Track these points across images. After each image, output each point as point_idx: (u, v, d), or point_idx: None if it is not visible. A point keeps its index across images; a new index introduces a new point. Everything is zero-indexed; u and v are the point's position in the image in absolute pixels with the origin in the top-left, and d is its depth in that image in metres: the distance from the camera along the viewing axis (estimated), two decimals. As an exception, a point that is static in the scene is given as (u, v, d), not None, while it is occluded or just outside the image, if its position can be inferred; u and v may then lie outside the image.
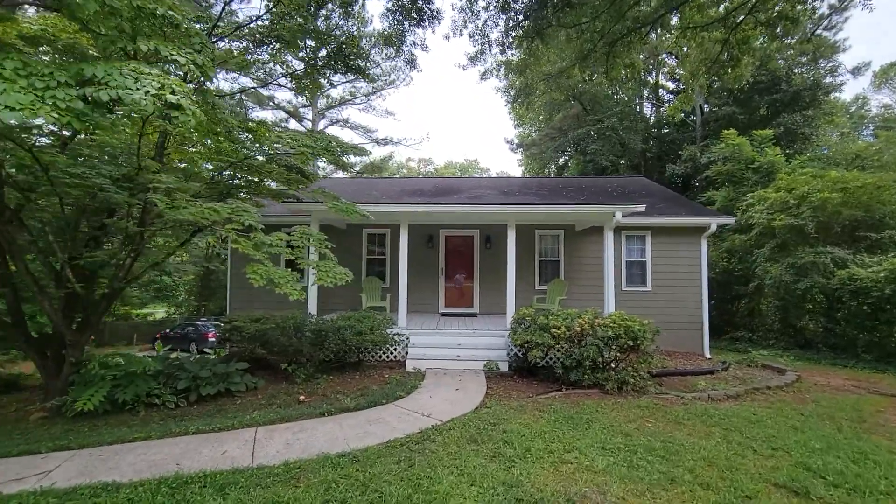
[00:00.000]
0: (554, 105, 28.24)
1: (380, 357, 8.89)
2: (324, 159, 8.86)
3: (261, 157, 7.85)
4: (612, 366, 7.57)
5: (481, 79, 16.65)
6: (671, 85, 30.51)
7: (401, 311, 9.22)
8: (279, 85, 28.32)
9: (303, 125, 29.90)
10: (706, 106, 26.53)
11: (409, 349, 8.60)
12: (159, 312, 30.82)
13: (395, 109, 57.90)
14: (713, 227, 11.11)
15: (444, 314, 11.44)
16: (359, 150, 8.93)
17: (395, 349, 8.87)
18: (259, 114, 27.83)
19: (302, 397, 6.85)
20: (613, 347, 7.36)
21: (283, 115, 30.33)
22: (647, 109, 31.68)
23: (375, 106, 31.19)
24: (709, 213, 12.20)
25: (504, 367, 8.18)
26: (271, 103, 27.74)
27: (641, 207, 8.66)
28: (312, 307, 9.24)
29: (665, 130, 29.27)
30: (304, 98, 29.54)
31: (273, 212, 11.40)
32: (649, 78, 30.40)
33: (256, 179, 8.91)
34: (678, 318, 11.19)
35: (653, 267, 11.54)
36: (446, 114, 62.06)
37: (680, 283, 11.44)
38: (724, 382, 8.29)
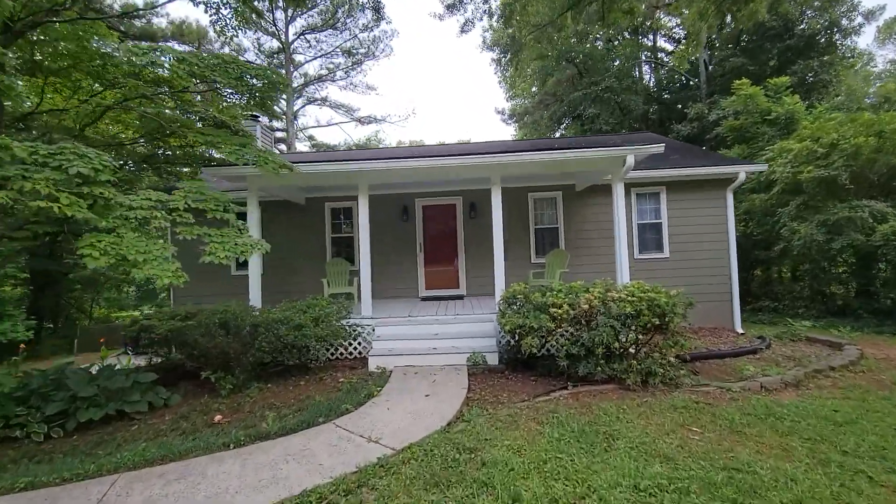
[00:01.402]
0: (546, 70, 26.08)
1: (335, 355, 7.13)
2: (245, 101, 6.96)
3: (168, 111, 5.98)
4: (633, 352, 5.79)
5: (462, 31, 14.64)
6: (670, 47, 28.32)
7: (364, 296, 7.43)
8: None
9: (278, 106, 27.82)
10: (710, 66, 24.35)
11: (375, 343, 6.83)
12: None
13: (377, 84, 54.60)
14: (741, 177, 9.22)
15: (425, 298, 9.65)
16: (277, 79, 6.63)
17: (352, 344, 7.11)
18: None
19: (218, 417, 5.09)
20: (633, 328, 5.57)
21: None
22: (647, 74, 29.52)
23: (356, 82, 29.05)
24: (734, 160, 10.30)
25: (493, 359, 6.41)
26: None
27: (660, 147, 6.79)
28: (255, 296, 7.44)
29: (666, 96, 27.18)
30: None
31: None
32: (646, 41, 28.20)
33: (175, 143, 7.06)
34: (702, 289, 9.35)
35: (670, 229, 9.70)
36: (433, 90, 59.26)
37: (703, 246, 9.61)
38: (774, 365, 6.51)
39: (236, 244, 4.34)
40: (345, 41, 26.73)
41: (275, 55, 26.55)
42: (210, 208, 4.67)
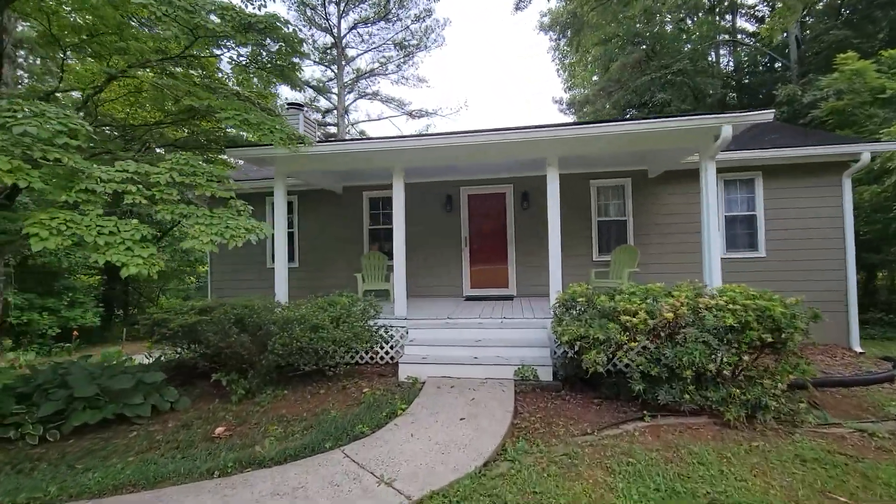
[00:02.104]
0: (609, 55, 24.13)
1: (363, 360, 6.30)
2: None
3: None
4: (733, 377, 4.45)
5: (517, 9, 13.42)
6: (751, 27, 25.23)
7: (397, 294, 6.55)
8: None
9: (329, 100, 27.94)
10: (802, 44, 21.29)
11: (407, 348, 5.92)
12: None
13: (429, 76, 53.37)
14: (864, 159, 7.39)
15: (470, 298, 8.64)
16: (290, 35, 5.63)
17: (383, 348, 6.25)
18: (287, 94, 26.08)
19: (219, 429, 4.38)
20: (737, 346, 4.24)
21: (311, 93, 28.54)
22: (724, 58, 26.54)
23: (408, 75, 28.49)
24: (855, 139, 8.38)
25: (546, 374, 5.29)
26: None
27: (768, 114, 5.32)
28: (281, 290, 6.80)
29: (747, 80, 24.22)
30: (332, 72, 27.57)
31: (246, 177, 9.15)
32: (724, 22, 25.33)
33: (205, 126, 6.55)
34: (808, 297, 7.59)
35: (766, 223, 8.02)
36: (486, 81, 57.21)
37: (809, 244, 7.85)
38: (929, 401, 4.88)
39: (227, 227, 3.60)
40: (396, 33, 26.27)
41: (328, 50, 26.61)
42: (200, 183, 3.96)
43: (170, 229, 18.82)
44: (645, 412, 4.37)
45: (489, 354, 5.65)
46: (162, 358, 5.98)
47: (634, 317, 4.38)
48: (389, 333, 6.11)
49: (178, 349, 5.71)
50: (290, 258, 9.30)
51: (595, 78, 27.51)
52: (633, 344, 4.36)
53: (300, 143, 5.12)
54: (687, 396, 4.22)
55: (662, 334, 4.39)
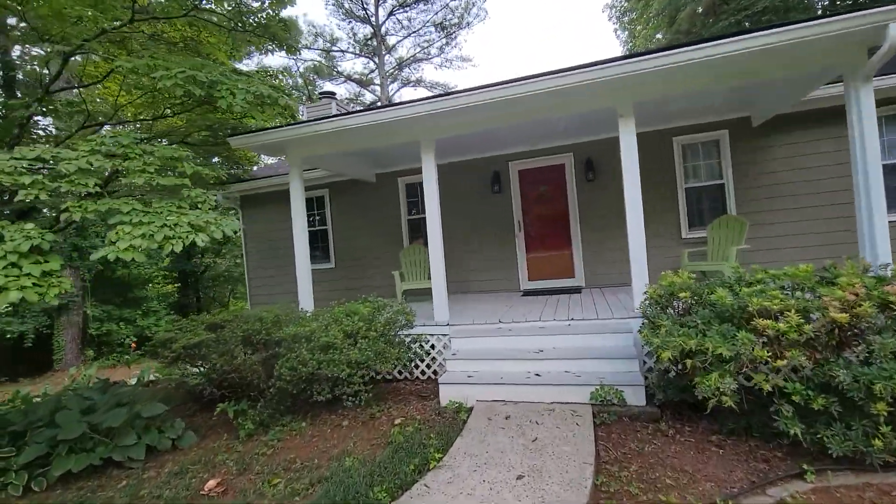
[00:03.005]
0: (675, 4, 21.19)
1: (400, 375, 5.22)
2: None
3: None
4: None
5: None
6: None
7: (436, 294, 5.38)
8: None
9: (374, 93, 27.29)
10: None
11: (450, 362, 4.73)
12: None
13: (473, 55, 50.65)
14: None
15: (529, 292, 7.29)
16: None
17: (418, 367, 5.14)
18: (330, 87, 25.76)
19: (212, 482, 3.48)
20: (972, 363, 2.59)
21: (355, 87, 28.09)
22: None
23: (451, 57, 27.14)
24: None
25: (636, 396, 3.87)
26: (336, 72, 25.54)
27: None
28: (305, 296, 5.90)
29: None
30: (374, 63, 26.87)
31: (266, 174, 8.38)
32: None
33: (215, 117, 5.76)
34: None
35: (936, 172, 5.89)
36: (535, 53, 53.30)
37: None
38: None
39: (164, 225, 2.62)
40: (436, 13, 24.97)
41: (368, 41, 25.91)
42: (132, 168, 2.99)
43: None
44: (804, 465, 2.85)
45: (555, 370, 4.32)
46: (172, 383, 5.27)
47: (778, 320, 2.86)
48: (429, 345, 4.97)
49: (184, 373, 4.95)
50: (325, 258, 8.47)
51: (659, 35, 24.54)
52: (779, 363, 2.84)
53: (277, 106, 4.10)
54: (878, 443, 2.66)
55: (828, 346, 2.83)
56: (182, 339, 4.79)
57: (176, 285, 24.39)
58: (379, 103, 26.27)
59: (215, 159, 9.83)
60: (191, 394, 5.34)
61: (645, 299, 3.89)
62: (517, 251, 7.54)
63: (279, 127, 5.29)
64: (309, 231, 8.78)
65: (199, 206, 3.24)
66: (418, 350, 4.77)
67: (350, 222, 8.48)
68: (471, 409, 4.15)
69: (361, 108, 26.85)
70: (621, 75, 4.27)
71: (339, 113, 5.01)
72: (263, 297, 8.97)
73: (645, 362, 4.29)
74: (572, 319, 4.86)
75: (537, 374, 4.26)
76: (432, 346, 5.24)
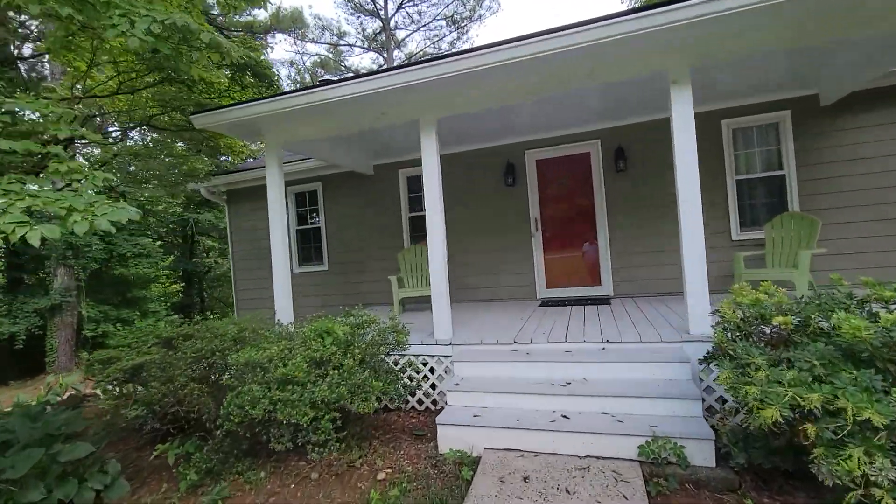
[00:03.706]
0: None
1: (392, 405, 4.24)
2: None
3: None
4: None
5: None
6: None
7: (436, 306, 4.40)
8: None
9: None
10: None
11: (452, 393, 3.73)
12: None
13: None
14: None
15: (547, 302, 6.27)
16: None
17: (413, 396, 4.17)
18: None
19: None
20: None
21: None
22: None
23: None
24: None
25: (701, 453, 2.83)
26: (344, 67, 24.73)
27: None
28: (283, 306, 4.97)
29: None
30: (382, 58, 26.01)
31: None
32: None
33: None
34: None
35: None
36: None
37: None
38: None
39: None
40: (446, 6, 24.01)
41: (377, 35, 25.06)
42: None
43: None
44: None
45: (588, 409, 3.30)
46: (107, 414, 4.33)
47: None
48: (427, 368, 4.00)
49: (125, 397, 4.04)
50: (318, 259, 7.55)
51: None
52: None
53: (212, 50, 3.16)
54: None
55: None
56: (125, 358, 3.89)
57: (181, 285, 23.80)
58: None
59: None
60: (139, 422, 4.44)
61: (718, 322, 2.87)
62: (534, 253, 6.53)
63: (247, 101, 4.37)
64: (299, 229, 7.92)
65: (77, 184, 2.34)
66: (411, 379, 3.80)
67: (345, 219, 7.55)
68: (477, 461, 3.16)
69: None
70: (676, 24, 3.24)
71: (316, 84, 4.09)
72: (251, 301, 8.10)
73: (711, 407, 3.27)
74: (607, 341, 3.84)
75: (564, 416, 3.25)
76: (431, 370, 4.27)
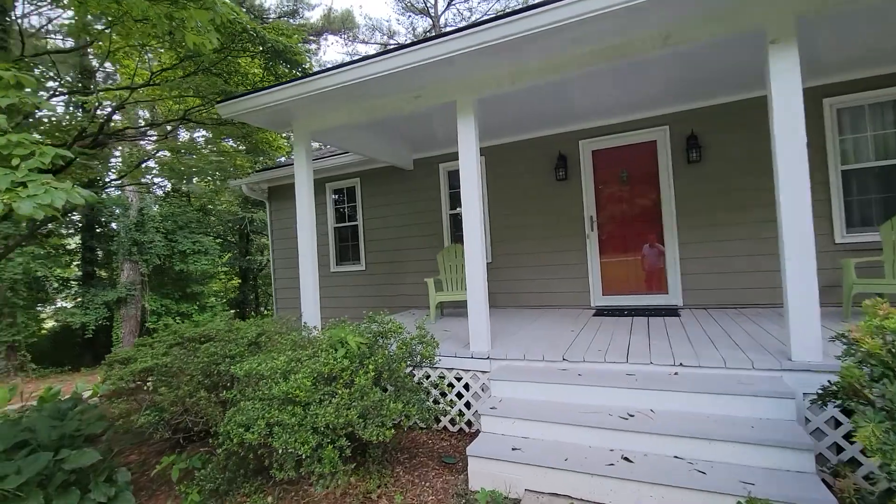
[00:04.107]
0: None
1: (421, 422, 3.74)
2: None
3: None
4: None
5: None
6: None
7: (472, 314, 3.85)
8: None
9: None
10: None
11: (488, 420, 3.16)
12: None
13: None
14: None
15: (602, 310, 5.55)
16: None
17: (447, 411, 3.64)
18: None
19: None
20: None
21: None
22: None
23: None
24: None
25: (818, 526, 2.10)
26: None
27: None
28: (309, 306, 4.63)
29: None
30: None
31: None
32: None
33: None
34: None
35: None
36: None
37: None
38: None
39: None
40: (497, 1, 23.37)
41: (427, 33, 24.86)
42: None
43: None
44: None
45: (657, 451, 2.63)
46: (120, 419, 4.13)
47: None
48: (461, 384, 3.47)
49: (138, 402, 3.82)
50: (356, 258, 7.25)
51: None
52: None
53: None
54: None
55: None
56: (139, 360, 3.67)
57: (237, 282, 24.77)
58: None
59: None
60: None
61: (846, 351, 2.13)
62: (588, 256, 5.81)
63: (273, 86, 4.05)
64: (337, 227, 7.65)
65: (17, 159, 2.03)
66: (437, 402, 3.28)
67: (384, 217, 7.18)
68: (515, 505, 2.59)
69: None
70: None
71: (344, 63, 3.69)
72: (288, 301, 7.95)
73: (827, 462, 2.50)
74: (681, 364, 3.13)
75: (626, 459, 2.61)
76: (466, 387, 3.73)
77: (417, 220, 6.90)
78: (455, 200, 6.70)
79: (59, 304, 17.40)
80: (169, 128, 6.21)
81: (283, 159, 12.00)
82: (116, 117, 7.82)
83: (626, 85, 4.65)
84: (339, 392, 2.45)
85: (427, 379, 3.70)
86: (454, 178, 6.70)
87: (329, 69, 3.82)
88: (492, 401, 3.30)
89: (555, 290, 6.00)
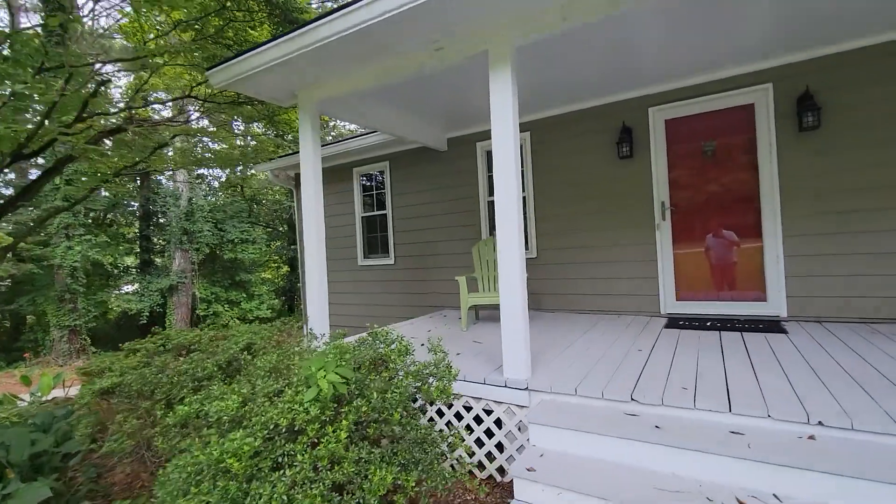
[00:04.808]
0: None
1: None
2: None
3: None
4: None
5: None
6: None
7: (507, 321, 2.94)
8: None
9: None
10: None
11: (521, 482, 2.28)
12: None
13: None
14: None
15: (676, 320, 4.46)
16: None
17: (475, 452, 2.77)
18: None
19: None
20: None
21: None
22: None
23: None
24: None
25: None
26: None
27: None
28: (317, 315, 3.93)
29: None
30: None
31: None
32: None
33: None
34: None
35: None
36: None
37: None
38: None
39: None
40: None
41: None
42: None
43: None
44: None
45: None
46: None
47: None
48: (492, 418, 2.61)
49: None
50: (384, 251, 6.53)
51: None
52: None
53: None
54: None
55: None
56: (108, 375, 3.11)
57: (286, 270, 25.19)
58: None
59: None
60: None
61: None
62: (658, 251, 4.70)
63: (263, 43, 3.31)
64: (365, 216, 6.96)
65: None
66: (460, 458, 2.43)
67: (415, 205, 6.38)
68: None
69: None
70: None
71: (341, 6, 2.88)
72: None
73: None
74: (819, 423, 2.07)
75: (742, 584, 1.64)
76: (498, 422, 2.86)
77: (452, 209, 6.04)
78: (493, 184, 5.75)
79: (124, 290, 18.29)
80: (172, 114, 5.80)
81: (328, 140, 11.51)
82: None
83: (713, 29, 3.50)
84: (300, 459, 1.67)
85: (441, 417, 2.87)
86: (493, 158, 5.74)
87: (327, 14, 3.01)
88: (529, 455, 2.40)
89: (613, 291, 4.94)
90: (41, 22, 4.73)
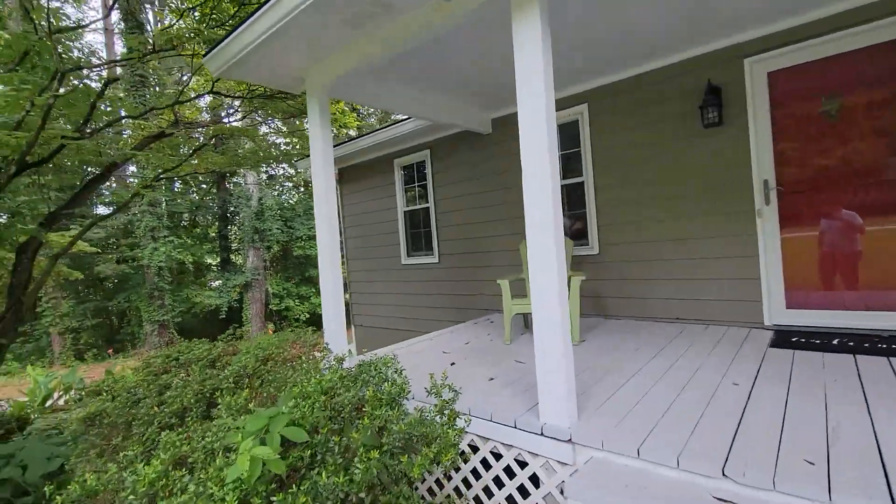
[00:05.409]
0: None
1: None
2: None
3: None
4: None
5: None
6: None
7: (541, 349, 2.22)
8: None
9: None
10: None
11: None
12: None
13: None
14: None
15: (786, 335, 3.42)
16: None
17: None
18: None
19: None
20: None
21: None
22: None
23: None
24: None
25: None
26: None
27: None
28: (334, 328, 3.47)
29: None
30: None
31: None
32: None
33: None
34: None
35: None
36: None
37: None
38: None
39: None
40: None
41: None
42: None
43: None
44: None
45: None
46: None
47: None
48: (526, 473, 1.95)
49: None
50: (429, 249, 6.00)
51: None
52: None
53: None
54: None
55: None
56: (97, 400, 2.88)
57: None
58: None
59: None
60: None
61: None
62: (760, 244, 3.64)
63: (251, 14, 2.85)
64: (407, 211, 6.46)
65: None
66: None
67: (458, 197, 5.76)
68: None
69: None
70: None
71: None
72: (360, 296, 7.09)
73: None
74: None
75: None
76: (533, 479, 2.18)
77: (499, 199, 5.34)
78: (547, 170, 4.93)
79: (212, 285, 19.70)
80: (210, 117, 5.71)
81: (353, 132, 11.23)
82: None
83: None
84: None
85: (457, 472, 2.24)
86: (545, 139, 4.93)
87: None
88: (568, 546, 1.70)
89: (697, 295, 3.96)
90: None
